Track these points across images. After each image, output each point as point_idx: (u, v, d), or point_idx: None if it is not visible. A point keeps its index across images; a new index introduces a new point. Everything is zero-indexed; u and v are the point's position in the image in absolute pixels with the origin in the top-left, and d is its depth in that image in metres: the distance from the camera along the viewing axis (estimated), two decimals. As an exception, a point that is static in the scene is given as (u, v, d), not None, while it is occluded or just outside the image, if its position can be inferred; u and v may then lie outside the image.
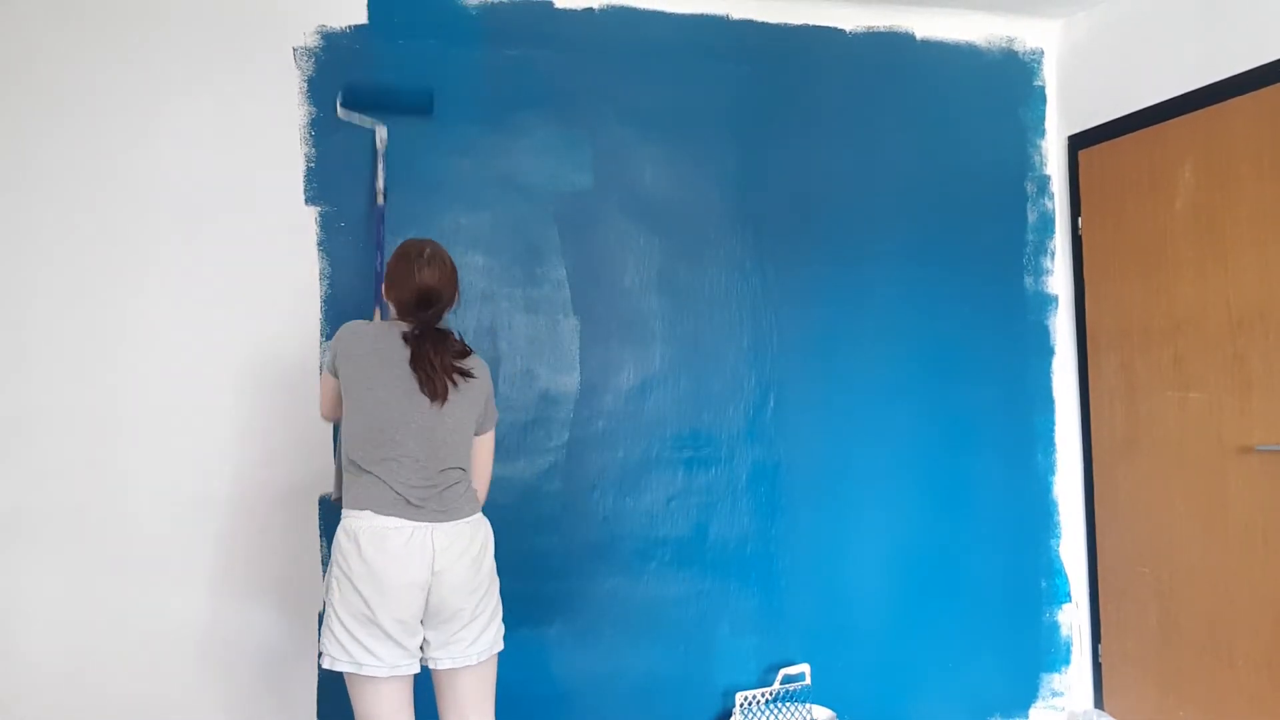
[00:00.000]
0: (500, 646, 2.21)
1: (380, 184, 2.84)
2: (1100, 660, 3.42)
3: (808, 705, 3.10)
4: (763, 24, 3.30)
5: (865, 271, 3.34)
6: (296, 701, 2.82)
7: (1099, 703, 3.42)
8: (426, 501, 2.09)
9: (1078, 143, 3.49)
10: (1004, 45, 3.54)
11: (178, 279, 2.79)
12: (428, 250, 2.20)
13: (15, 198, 2.70)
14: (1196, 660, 3.01)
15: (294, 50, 2.89)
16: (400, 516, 2.06)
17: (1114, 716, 3.35)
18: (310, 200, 2.88)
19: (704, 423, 3.19)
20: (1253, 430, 2.82)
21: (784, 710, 3.07)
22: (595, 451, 3.09)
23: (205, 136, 2.83)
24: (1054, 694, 3.45)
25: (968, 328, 3.42)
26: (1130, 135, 3.25)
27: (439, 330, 2.18)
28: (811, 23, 3.35)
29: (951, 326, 3.40)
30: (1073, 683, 3.47)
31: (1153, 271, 3.16)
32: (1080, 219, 3.49)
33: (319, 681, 2.82)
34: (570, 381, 3.08)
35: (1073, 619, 3.48)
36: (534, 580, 3.00)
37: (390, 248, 2.76)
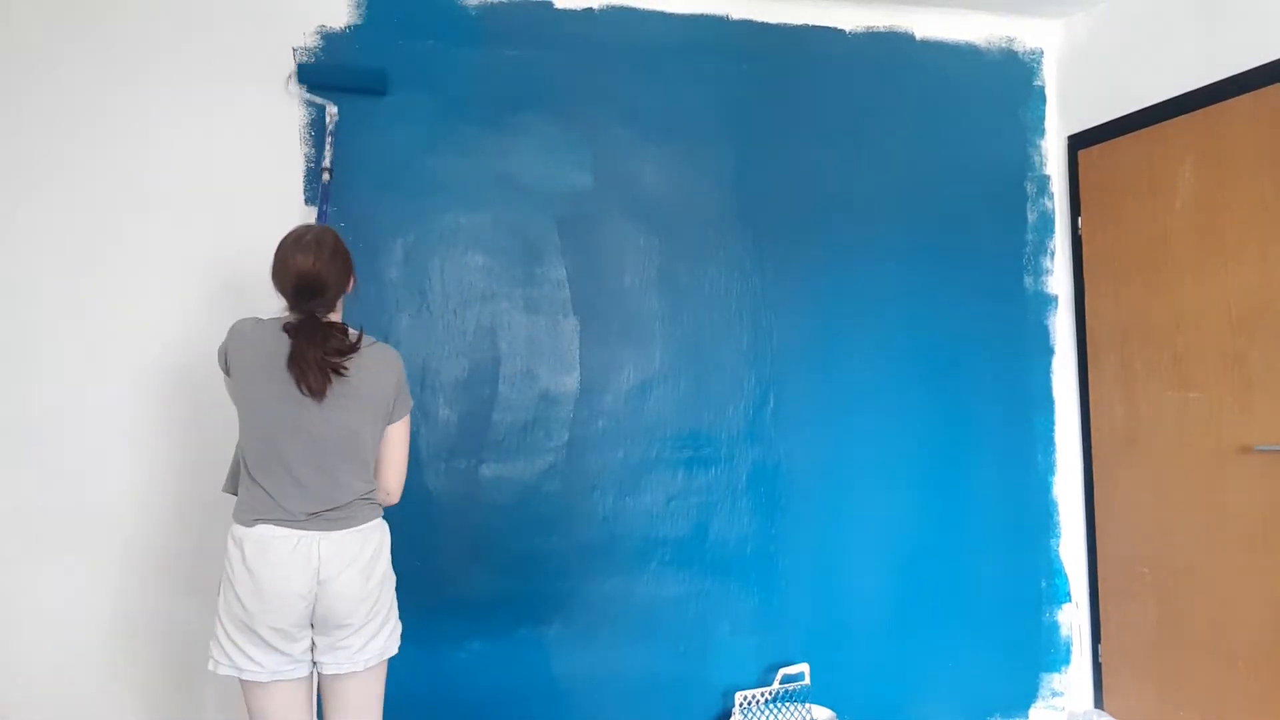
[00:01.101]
0: (392, 651, 2.13)
1: (327, 161, 2.82)
2: (1100, 660, 3.42)
3: (807, 705, 3.10)
4: (762, 24, 3.31)
5: (865, 271, 3.34)
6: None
7: (1099, 702, 3.42)
8: (313, 510, 2.00)
9: (1077, 143, 3.49)
10: (1004, 45, 3.54)
11: (173, 279, 2.79)
12: (309, 235, 2.08)
13: (16, 196, 2.71)
14: (1196, 660, 3.01)
15: (294, 50, 2.89)
16: (285, 526, 1.98)
17: (1114, 716, 3.35)
18: (310, 200, 2.88)
19: (704, 423, 3.19)
20: (1252, 430, 2.82)
21: (783, 710, 3.07)
22: (595, 452, 3.09)
23: (203, 137, 2.83)
24: (1054, 694, 3.45)
25: (967, 327, 3.42)
26: (1130, 135, 3.25)
27: (319, 322, 2.03)
28: (811, 23, 3.35)
29: (951, 326, 3.40)
30: (1073, 683, 3.47)
31: (1152, 271, 3.16)
32: (1080, 219, 3.49)
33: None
34: (570, 381, 3.09)
35: (1073, 619, 3.48)
36: (534, 580, 3.00)
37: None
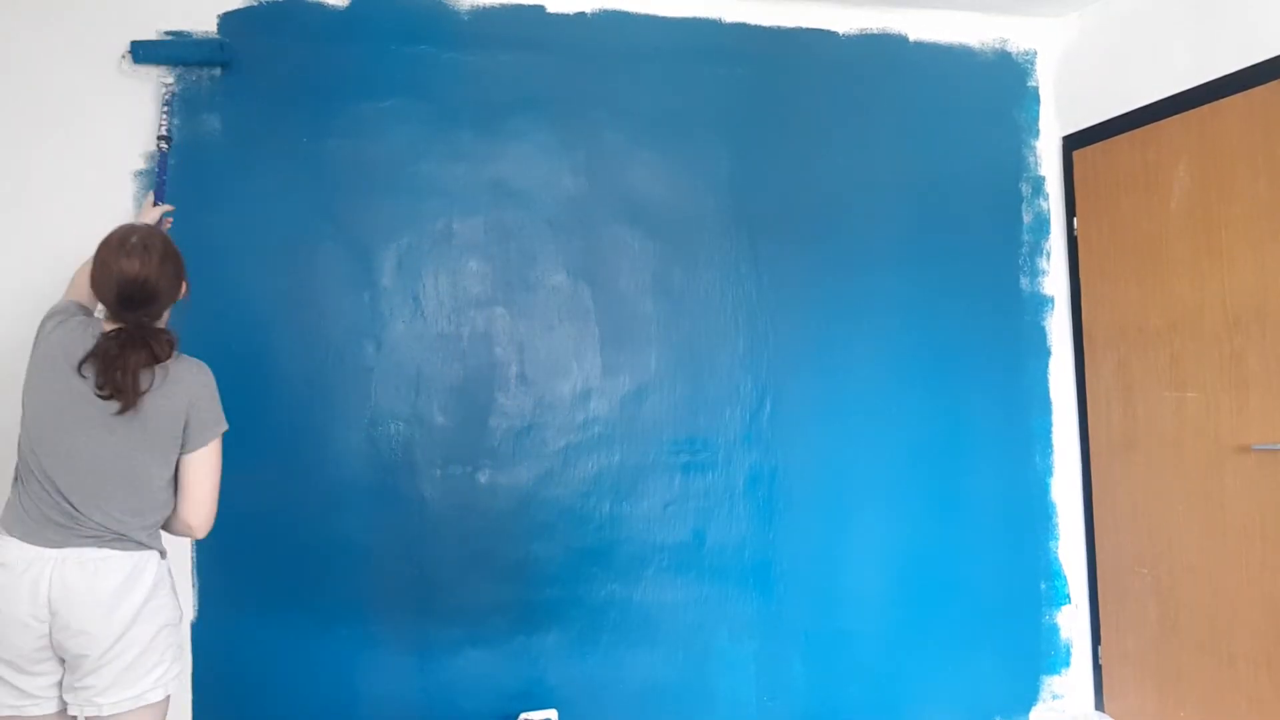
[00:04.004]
0: (152, 699, 1.88)
1: (163, 130, 2.75)
2: (1100, 662, 3.41)
3: None
4: (755, 27, 3.30)
5: (860, 274, 3.33)
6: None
7: (1099, 704, 3.41)
8: (66, 531, 1.81)
9: (1072, 143, 3.49)
10: (997, 46, 3.54)
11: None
12: (135, 237, 1.89)
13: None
14: (1196, 660, 3.00)
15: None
16: (32, 543, 1.80)
17: (1114, 718, 3.34)
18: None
19: (700, 427, 3.17)
20: (1250, 429, 2.81)
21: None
22: (591, 457, 3.08)
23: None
24: (1054, 696, 3.44)
25: (964, 329, 3.42)
26: (1124, 135, 3.25)
27: (133, 334, 1.85)
28: (804, 25, 3.34)
29: (948, 328, 3.40)
30: (1073, 684, 3.46)
31: (1149, 271, 3.16)
32: (1075, 219, 3.48)
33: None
34: (565, 387, 3.07)
35: (1072, 621, 3.47)
36: (530, 587, 2.98)
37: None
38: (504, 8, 3.08)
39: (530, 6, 3.11)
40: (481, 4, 3.07)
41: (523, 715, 2.91)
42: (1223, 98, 2.86)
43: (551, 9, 3.12)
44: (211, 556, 2.80)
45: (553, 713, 2.93)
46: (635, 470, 3.11)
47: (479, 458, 2.99)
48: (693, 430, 3.17)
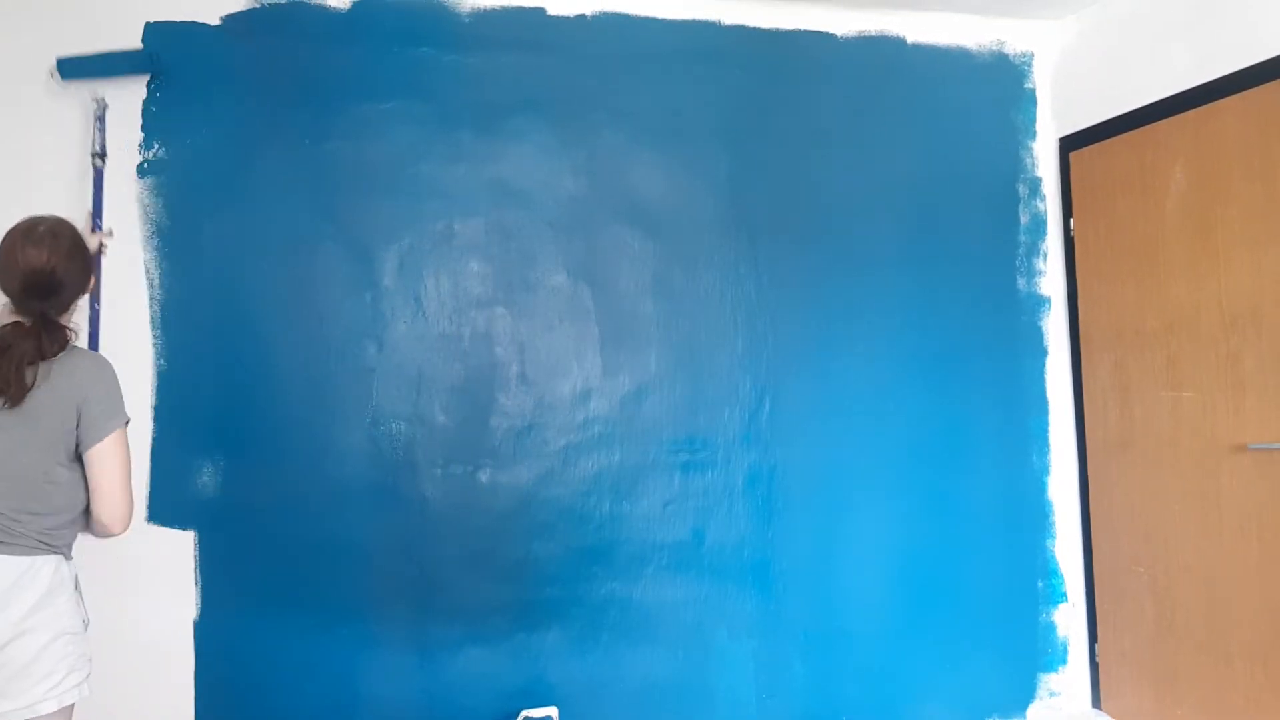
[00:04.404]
0: (44, 710, 1.80)
1: (96, 146, 2.67)
2: (1097, 660, 3.43)
3: None
4: (755, 29, 3.31)
5: (858, 274, 3.35)
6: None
7: (1096, 702, 3.43)
8: None
9: (1069, 144, 3.51)
10: (994, 48, 3.56)
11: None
12: (42, 227, 1.85)
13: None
14: (1193, 658, 3.02)
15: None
16: None
17: (1111, 716, 3.35)
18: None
19: (700, 427, 3.19)
20: (1246, 429, 2.83)
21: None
22: (592, 456, 3.09)
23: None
24: (1051, 694, 3.45)
25: (961, 329, 3.43)
26: (1121, 136, 3.26)
27: (28, 328, 1.81)
28: (803, 27, 3.36)
29: (945, 328, 3.41)
30: (1070, 683, 3.47)
31: (1145, 272, 3.17)
32: (1072, 220, 3.50)
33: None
34: (566, 387, 3.08)
35: (1069, 619, 3.48)
36: (531, 586, 2.99)
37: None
38: (505, 10, 3.10)
39: (531, 9, 3.12)
40: (482, 6, 3.08)
41: (523, 713, 2.92)
42: (1219, 99, 2.88)
43: (552, 11, 3.14)
44: (213, 556, 2.81)
45: (553, 710, 2.95)
46: (635, 470, 3.12)
47: (480, 457, 3.00)
48: (692, 430, 3.18)
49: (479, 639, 2.95)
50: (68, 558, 1.92)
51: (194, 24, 2.88)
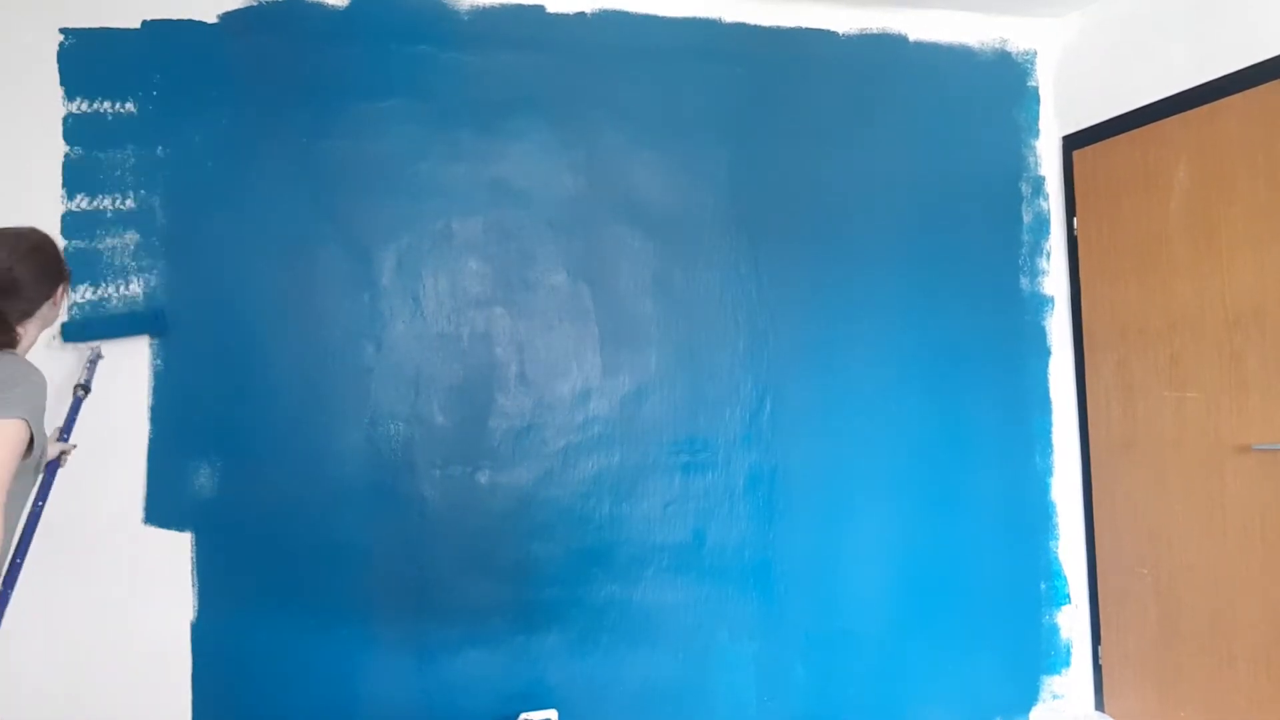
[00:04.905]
0: None
1: (82, 379, 2.64)
2: (1100, 662, 3.41)
3: None
4: (755, 27, 3.30)
5: (860, 274, 3.33)
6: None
7: (1099, 704, 3.41)
8: None
9: (1072, 143, 3.49)
10: (997, 46, 3.54)
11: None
12: (10, 231, 1.86)
13: None
14: (1196, 660, 3.00)
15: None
16: None
17: (1114, 718, 3.34)
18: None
19: (700, 428, 3.17)
20: (1250, 429, 2.81)
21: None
22: (591, 457, 3.08)
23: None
24: (1054, 696, 3.44)
25: (964, 329, 3.42)
26: (1124, 135, 3.25)
27: None
28: (804, 25, 3.34)
29: (947, 327, 3.40)
30: (1073, 685, 3.45)
31: (1149, 271, 3.16)
32: (1075, 219, 3.49)
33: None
34: (566, 387, 3.07)
35: (1072, 621, 3.47)
36: (530, 587, 2.98)
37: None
38: (504, 8, 3.08)
39: (530, 6, 3.10)
40: (481, 4, 3.07)
41: (523, 715, 2.91)
42: (1222, 98, 2.86)
43: (551, 9, 3.12)
44: (211, 557, 2.80)
45: (553, 713, 2.93)
46: (635, 470, 3.11)
47: (479, 458, 2.99)
48: (692, 430, 3.17)
49: (478, 641, 2.93)
50: None
51: (191, 21, 2.87)
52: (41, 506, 2.23)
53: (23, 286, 1.83)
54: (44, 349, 2.57)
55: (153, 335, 2.80)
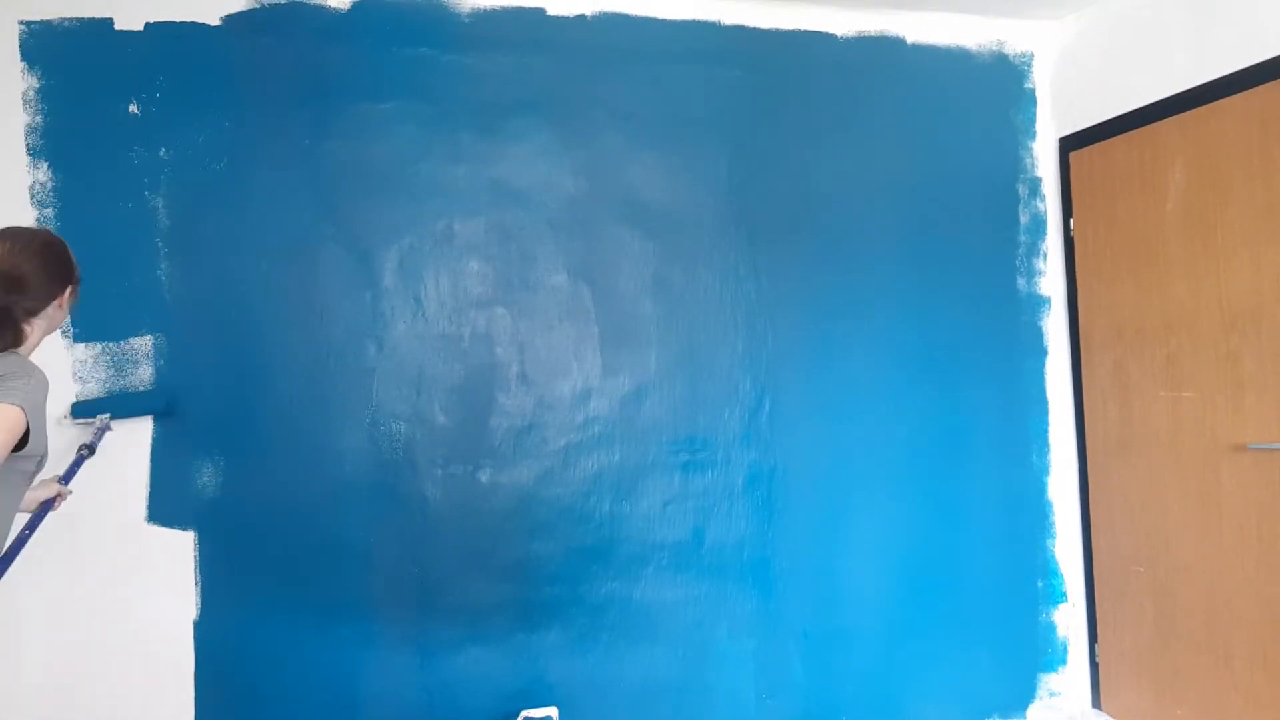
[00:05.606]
0: None
1: (88, 441, 2.63)
2: (1097, 660, 3.43)
3: None
4: (754, 29, 3.32)
5: (858, 275, 3.35)
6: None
7: (1096, 702, 3.43)
8: None
9: (1069, 144, 3.51)
10: (994, 48, 3.56)
11: None
12: (19, 228, 1.88)
13: None
14: (1193, 658, 3.02)
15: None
16: None
17: (1111, 716, 3.35)
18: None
19: (700, 427, 3.19)
20: (1246, 428, 2.83)
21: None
22: (591, 456, 3.09)
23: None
24: (1051, 694, 3.46)
25: (961, 329, 3.43)
26: (1121, 136, 3.27)
27: None
28: (803, 27, 3.36)
29: (945, 328, 3.41)
30: (1070, 682, 3.47)
31: (1145, 272, 3.18)
32: (1072, 220, 3.50)
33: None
34: (566, 387, 3.09)
35: (1069, 619, 3.48)
36: (531, 585, 3.00)
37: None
38: (505, 10, 3.10)
39: (531, 9, 3.12)
40: (482, 6, 3.08)
41: (523, 713, 2.92)
42: (1219, 99, 2.88)
43: (552, 11, 3.14)
44: (213, 556, 2.82)
45: (553, 710, 2.95)
46: (635, 469, 3.12)
47: (480, 457, 3.00)
48: (692, 429, 3.18)
49: (479, 639, 2.95)
50: None
51: (194, 24, 2.89)
52: (29, 535, 2.19)
53: (30, 284, 1.82)
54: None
55: (158, 414, 2.79)
